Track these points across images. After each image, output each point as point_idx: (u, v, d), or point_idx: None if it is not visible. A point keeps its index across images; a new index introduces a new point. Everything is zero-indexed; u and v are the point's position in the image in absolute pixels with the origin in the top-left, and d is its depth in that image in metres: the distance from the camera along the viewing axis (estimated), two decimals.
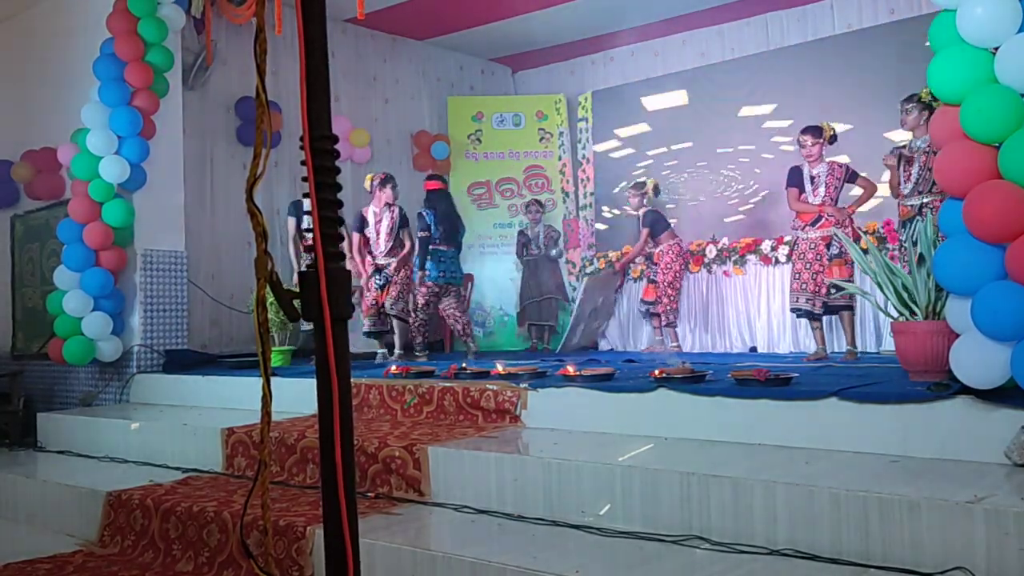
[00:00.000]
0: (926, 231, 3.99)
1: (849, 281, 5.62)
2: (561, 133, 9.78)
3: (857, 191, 6.11)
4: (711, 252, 7.81)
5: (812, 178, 5.97)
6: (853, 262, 5.67)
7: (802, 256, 5.91)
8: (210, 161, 7.78)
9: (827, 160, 5.99)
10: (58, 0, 7.34)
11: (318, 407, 1.09)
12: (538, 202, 8.69)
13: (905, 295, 3.94)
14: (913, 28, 7.10)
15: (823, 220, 5.87)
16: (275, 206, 8.17)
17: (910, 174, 5.38)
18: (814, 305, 5.82)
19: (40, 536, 4.60)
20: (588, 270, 8.64)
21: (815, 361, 5.72)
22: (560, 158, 9.74)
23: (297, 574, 3.45)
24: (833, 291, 5.72)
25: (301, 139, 1.17)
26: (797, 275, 5.92)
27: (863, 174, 6.07)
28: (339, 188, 1.19)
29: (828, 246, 5.81)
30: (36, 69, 7.48)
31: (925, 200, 5.28)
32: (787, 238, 7.32)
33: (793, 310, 6.05)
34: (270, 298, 1.21)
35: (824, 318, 6.02)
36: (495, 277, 9.14)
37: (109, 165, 6.31)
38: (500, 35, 9.37)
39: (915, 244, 4.15)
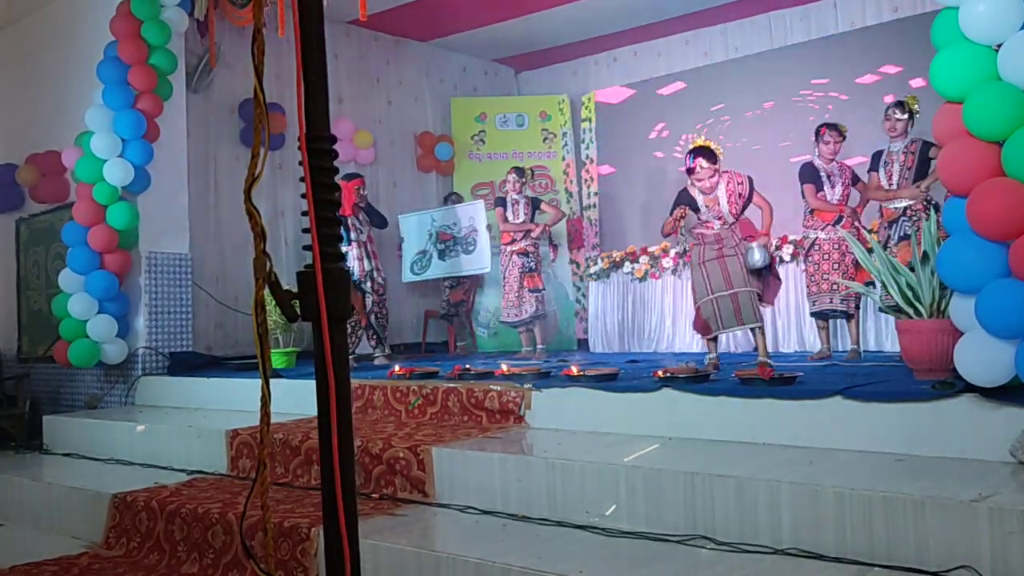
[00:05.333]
0: (930, 229, 3.99)
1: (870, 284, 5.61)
2: (564, 133, 9.78)
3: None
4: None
5: (829, 176, 5.97)
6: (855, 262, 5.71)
7: (827, 257, 5.88)
8: (214, 163, 7.79)
9: (836, 160, 6.01)
10: (61, 4, 7.35)
11: (317, 407, 1.09)
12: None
13: (909, 293, 3.93)
14: (915, 26, 7.08)
15: (844, 220, 5.86)
16: (279, 208, 8.18)
17: (891, 175, 5.55)
18: (849, 306, 5.82)
19: (46, 538, 4.61)
20: (592, 270, 8.62)
21: (820, 360, 5.71)
22: (564, 158, 9.74)
23: (302, 575, 3.45)
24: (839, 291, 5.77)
25: (299, 139, 1.17)
26: (825, 276, 5.86)
27: (862, 179, 6.09)
28: (337, 188, 1.19)
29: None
30: (40, 73, 7.50)
31: (908, 203, 5.51)
32: (791, 237, 7.29)
33: (822, 313, 5.95)
34: (271, 299, 1.21)
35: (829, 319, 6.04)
36: (499, 278, 9.12)
37: (113, 168, 6.33)
38: (503, 36, 9.37)
39: (902, 240, 4.18)
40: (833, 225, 5.90)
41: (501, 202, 7.74)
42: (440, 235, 8.21)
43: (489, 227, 8.06)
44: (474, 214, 8.10)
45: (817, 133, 6.07)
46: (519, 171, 7.73)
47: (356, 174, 7.43)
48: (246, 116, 7.98)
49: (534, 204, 7.65)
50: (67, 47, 7.21)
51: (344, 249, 7.05)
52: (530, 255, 7.53)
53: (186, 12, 6.76)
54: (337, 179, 1.22)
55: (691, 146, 5.51)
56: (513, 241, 7.57)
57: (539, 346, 7.45)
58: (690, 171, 5.40)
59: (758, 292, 5.37)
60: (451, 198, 9.11)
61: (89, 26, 6.87)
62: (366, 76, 9.13)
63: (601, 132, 9.57)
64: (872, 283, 5.51)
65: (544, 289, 7.53)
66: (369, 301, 7.09)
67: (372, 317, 7.10)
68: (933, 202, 5.51)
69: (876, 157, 5.83)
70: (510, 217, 7.61)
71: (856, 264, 5.78)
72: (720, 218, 5.43)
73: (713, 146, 5.44)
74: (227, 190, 7.80)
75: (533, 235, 7.55)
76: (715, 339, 5.52)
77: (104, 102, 6.38)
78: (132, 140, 6.40)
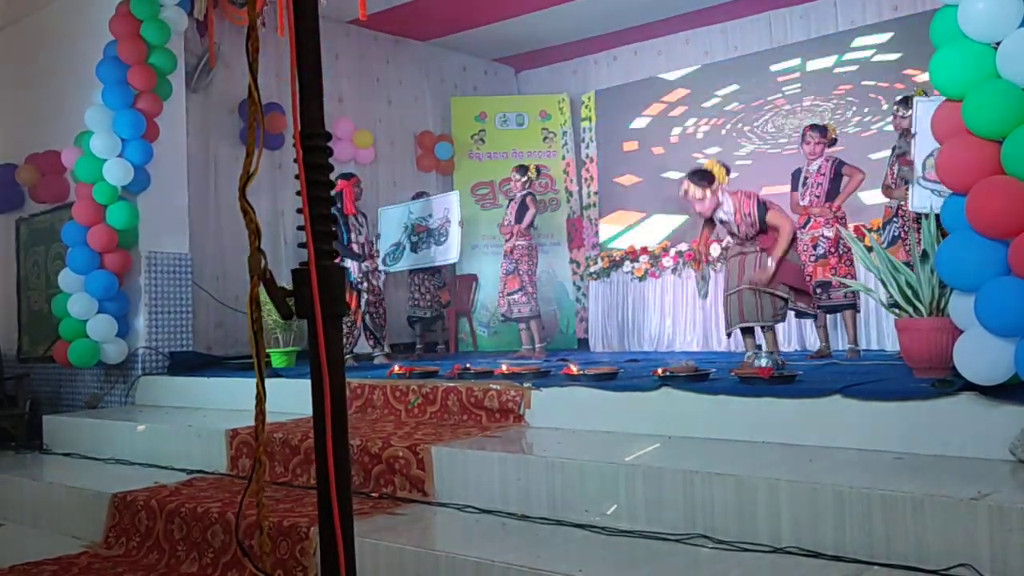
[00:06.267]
0: (930, 227, 3.98)
1: (840, 279, 5.65)
2: (564, 133, 9.78)
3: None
4: (715, 250, 7.79)
5: (805, 178, 6.01)
6: (847, 261, 5.74)
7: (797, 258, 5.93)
8: (213, 163, 7.79)
9: (823, 157, 6.02)
10: (61, 4, 7.36)
11: (312, 403, 1.09)
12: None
13: (909, 291, 3.92)
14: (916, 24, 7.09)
15: (812, 221, 5.89)
16: (279, 207, 8.18)
17: (893, 173, 5.55)
18: (809, 305, 5.84)
19: (46, 538, 4.60)
20: (592, 269, 8.63)
21: (818, 358, 5.72)
22: (564, 157, 9.74)
23: (301, 575, 3.45)
24: (819, 290, 5.75)
25: (294, 137, 1.17)
26: None
27: (849, 163, 6.07)
28: (332, 186, 1.19)
29: (815, 246, 5.83)
30: (40, 73, 7.49)
31: (901, 202, 5.52)
32: None
33: (791, 310, 6.04)
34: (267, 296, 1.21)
35: (828, 316, 6.04)
36: (497, 276, 9.14)
37: (113, 168, 6.33)
38: (503, 35, 9.38)
39: (892, 244, 4.19)
40: (802, 228, 5.95)
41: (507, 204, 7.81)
42: (416, 227, 8.17)
43: (462, 223, 7.98)
44: (448, 205, 8.04)
45: (801, 134, 6.11)
46: (521, 169, 7.73)
47: (351, 173, 7.40)
48: (245, 115, 7.97)
49: (521, 203, 7.63)
50: (67, 47, 7.21)
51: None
52: (509, 257, 7.54)
53: (185, 12, 6.76)
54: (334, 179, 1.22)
55: None
56: (506, 241, 7.64)
57: (537, 344, 7.47)
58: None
59: (783, 296, 5.00)
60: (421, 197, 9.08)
61: (89, 26, 6.86)
62: (366, 76, 9.13)
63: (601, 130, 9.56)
64: (828, 282, 5.58)
65: (519, 291, 7.48)
66: (363, 301, 7.10)
67: (368, 317, 7.11)
68: None
69: (892, 152, 5.82)
70: (504, 219, 7.71)
71: (814, 261, 5.79)
72: (734, 235, 5.16)
73: (714, 167, 5.06)
74: (227, 189, 7.80)
75: (514, 236, 7.55)
76: (750, 334, 5.20)
77: (104, 102, 6.38)
78: (132, 140, 6.40)
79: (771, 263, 4.91)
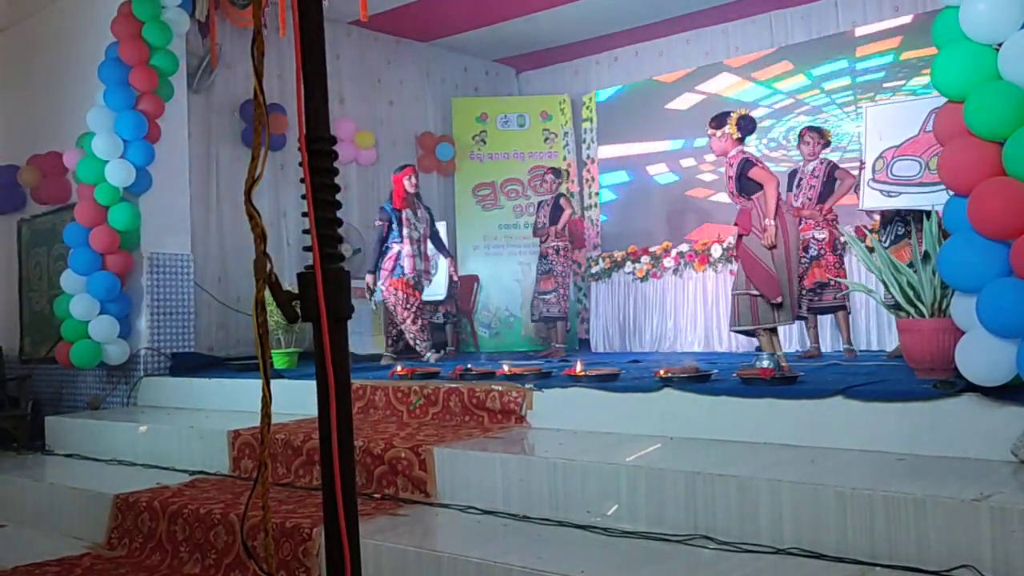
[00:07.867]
0: (931, 228, 3.98)
1: (838, 280, 5.70)
2: (566, 134, 9.79)
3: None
4: (716, 251, 7.81)
5: (799, 179, 6.06)
6: (838, 263, 5.78)
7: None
8: (215, 164, 7.80)
9: (818, 159, 6.07)
10: (63, 5, 7.36)
11: (318, 407, 1.09)
12: None
13: (911, 292, 3.92)
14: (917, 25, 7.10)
15: (803, 223, 5.92)
16: (281, 209, 8.19)
17: None
18: (799, 307, 5.88)
19: (48, 539, 4.61)
20: (593, 270, 8.63)
21: (808, 359, 5.75)
22: (565, 158, 9.74)
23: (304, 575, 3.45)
24: (810, 292, 5.81)
25: (299, 140, 1.17)
26: None
27: (842, 167, 6.14)
28: (337, 189, 1.20)
29: (807, 249, 5.85)
30: (42, 74, 7.50)
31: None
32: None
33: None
34: (272, 299, 1.21)
35: (819, 317, 6.10)
36: (501, 278, 9.15)
37: (115, 169, 6.33)
38: (504, 36, 9.38)
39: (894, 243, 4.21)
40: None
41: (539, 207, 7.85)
42: None
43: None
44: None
45: (800, 136, 6.17)
46: (556, 172, 7.81)
47: (406, 164, 7.09)
48: (247, 117, 7.98)
49: (555, 204, 7.66)
50: (68, 48, 7.22)
51: (396, 247, 6.72)
52: (546, 258, 7.55)
53: (187, 13, 6.77)
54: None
55: None
56: (542, 243, 7.67)
57: (556, 344, 7.53)
58: None
59: (759, 294, 5.05)
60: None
61: (90, 27, 6.87)
62: (367, 77, 9.14)
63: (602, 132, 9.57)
64: (825, 283, 5.61)
65: (553, 292, 7.49)
66: (414, 306, 6.74)
67: (417, 319, 6.74)
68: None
69: None
70: (538, 221, 7.74)
71: (808, 263, 5.82)
72: (732, 194, 5.21)
73: (734, 116, 5.16)
74: (228, 191, 7.81)
75: (550, 238, 7.57)
76: (766, 334, 5.14)
77: (105, 103, 6.38)
78: (133, 141, 6.40)
79: (768, 222, 5.01)
